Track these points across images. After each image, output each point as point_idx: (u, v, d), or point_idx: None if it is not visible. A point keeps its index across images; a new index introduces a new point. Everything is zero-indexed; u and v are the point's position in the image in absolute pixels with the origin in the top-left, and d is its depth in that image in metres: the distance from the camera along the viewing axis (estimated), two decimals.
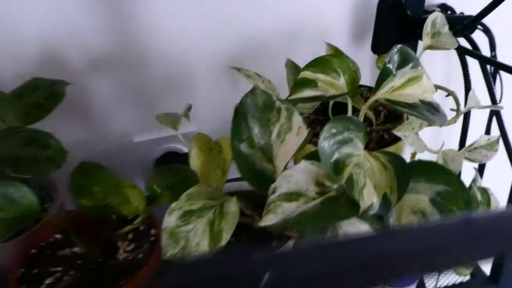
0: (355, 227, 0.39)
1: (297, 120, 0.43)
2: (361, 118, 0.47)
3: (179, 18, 0.70)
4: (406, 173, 0.41)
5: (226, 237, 0.43)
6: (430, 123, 0.47)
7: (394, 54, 0.46)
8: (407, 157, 0.60)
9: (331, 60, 0.47)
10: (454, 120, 0.57)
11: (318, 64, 0.47)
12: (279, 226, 0.38)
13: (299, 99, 0.46)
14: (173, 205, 0.44)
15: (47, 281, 0.47)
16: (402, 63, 0.47)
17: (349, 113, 0.50)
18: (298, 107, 0.55)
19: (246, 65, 0.76)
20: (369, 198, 0.37)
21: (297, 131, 0.43)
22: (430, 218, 0.40)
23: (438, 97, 0.52)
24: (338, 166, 0.38)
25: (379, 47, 0.72)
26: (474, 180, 0.54)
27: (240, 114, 0.41)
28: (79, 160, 0.79)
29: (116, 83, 0.74)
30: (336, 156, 0.38)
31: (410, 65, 0.47)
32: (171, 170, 0.49)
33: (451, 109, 0.59)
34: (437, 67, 0.87)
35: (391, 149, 0.57)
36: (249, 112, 0.42)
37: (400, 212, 0.41)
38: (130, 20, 0.69)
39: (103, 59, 0.71)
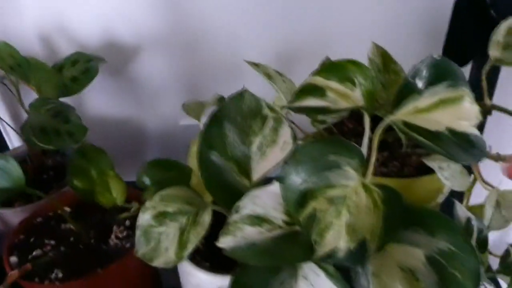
0: (316, 274, 0.32)
1: (285, 133, 0.37)
2: (374, 142, 0.39)
3: (232, 4, 0.66)
4: (399, 218, 0.33)
5: (189, 247, 0.40)
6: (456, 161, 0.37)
7: (423, 67, 0.37)
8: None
9: (347, 66, 0.40)
10: None
11: (331, 69, 0.40)
12: (228, 254, 0.33)
13: (298, 108, 0.39)
14: (147, 203, 0.42)
15: (34, 253, 0.49)
16: (435, 79, 0.37)
17: (366, 130, 0.42)
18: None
19: (295, 62, 0.71)
20: (332, 243, 0.30)
21: (282, 145, 0.37)
22: (423, 282, 0.32)
23: None
24: (304, 198, 0.31)
25: (452, 54, 0.60)
26: None
27: (216, 118, 0.37)
28: (129, 134, 0.82)
29: (166, 65, 0.73)
30: (307, 185, 0.32)
31: (447, 83, 0.37)
32: (164, 164, 0.46)
33: None
34: None
35: (427, 179, 0.48)
36: (228, 116, 0.37)
37: (382, 266, 0.33)
38: (183, 1, 0.67)
39: (154, 39, 0.70)
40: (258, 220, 0.34)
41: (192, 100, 0.63)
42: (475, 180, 0.49)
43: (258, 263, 0.31)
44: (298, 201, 0.31)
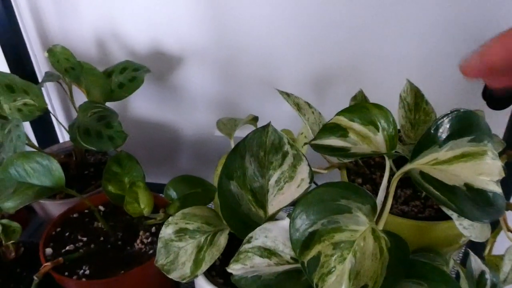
0: None
1: (303, 171, 0.39)
2: (392, 187, 0.40)
3: (273, 25, 0.68)
4: (402, 268, 0.33)
5: (204, 267, 0.42)
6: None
7: (447, 120, 0.37)
8: None
9: (371, 109, 0.40)
10: None
11: (355, 111, 0.41)
12: (233, 281, 0.35)
13: (319, 146, 0.41)
14: (170, 219, 0.45)
15: (67, 247, 0.53)
16: (458, 133, 0.38)
17: (386, 176, 0.42)
18: None
19: (330, 87, 0.72)
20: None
21: (299, 182, 0.39)
22: None
23: None
24: (311, 241, 0.33)
25: (491, 96, 0.59)
26: None
27: (238, 149, 0.39)
28: (166, 139, 0.86)
29: (206, 77, 0.76)
30: (316, 227, 0.33)
31: (470, 137, 0.37)
32: (190, 181, 0.49)
33: None
34: None
35: (446, 225, 0.47)
36: (250, 149, 0.39)
37: None
38: (228, 18, 0.69)
39: (198, 52, 0.74)
40: (267, 252, 0.36)
41: (226, 116, 0.65)
42: (500, 228, 0.48)
43: None
44: (304, 243, 0.33)
